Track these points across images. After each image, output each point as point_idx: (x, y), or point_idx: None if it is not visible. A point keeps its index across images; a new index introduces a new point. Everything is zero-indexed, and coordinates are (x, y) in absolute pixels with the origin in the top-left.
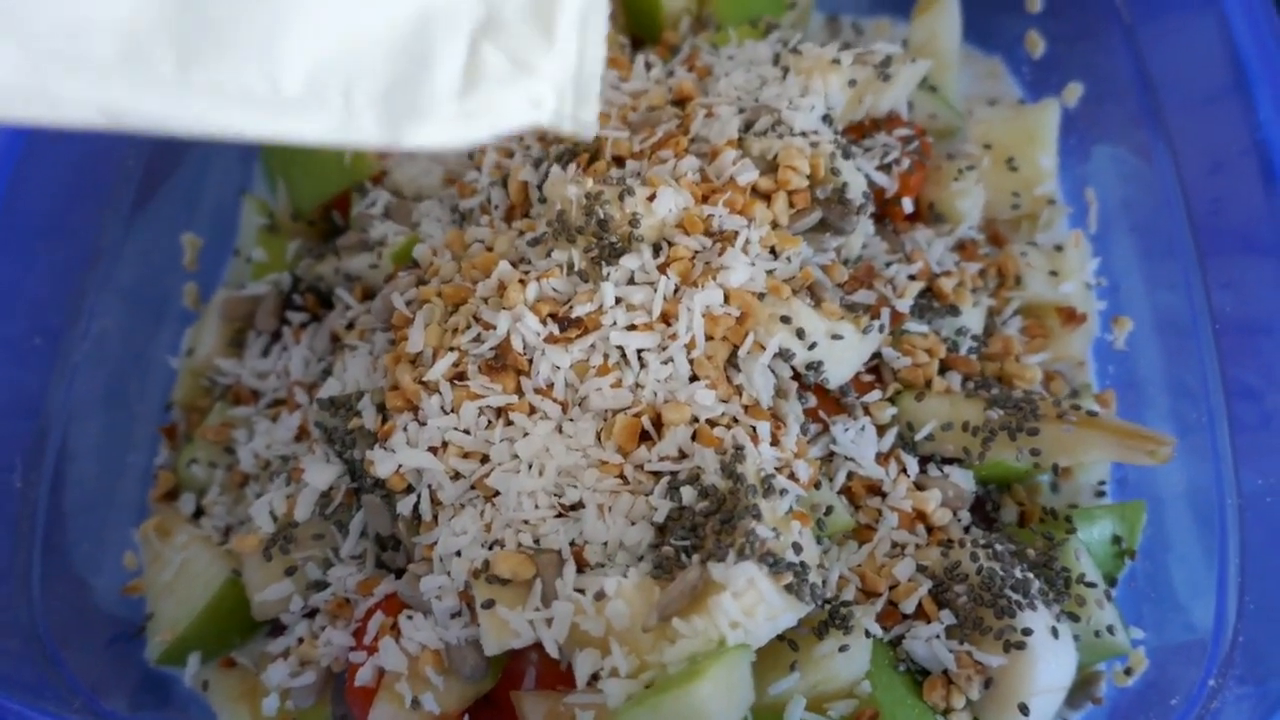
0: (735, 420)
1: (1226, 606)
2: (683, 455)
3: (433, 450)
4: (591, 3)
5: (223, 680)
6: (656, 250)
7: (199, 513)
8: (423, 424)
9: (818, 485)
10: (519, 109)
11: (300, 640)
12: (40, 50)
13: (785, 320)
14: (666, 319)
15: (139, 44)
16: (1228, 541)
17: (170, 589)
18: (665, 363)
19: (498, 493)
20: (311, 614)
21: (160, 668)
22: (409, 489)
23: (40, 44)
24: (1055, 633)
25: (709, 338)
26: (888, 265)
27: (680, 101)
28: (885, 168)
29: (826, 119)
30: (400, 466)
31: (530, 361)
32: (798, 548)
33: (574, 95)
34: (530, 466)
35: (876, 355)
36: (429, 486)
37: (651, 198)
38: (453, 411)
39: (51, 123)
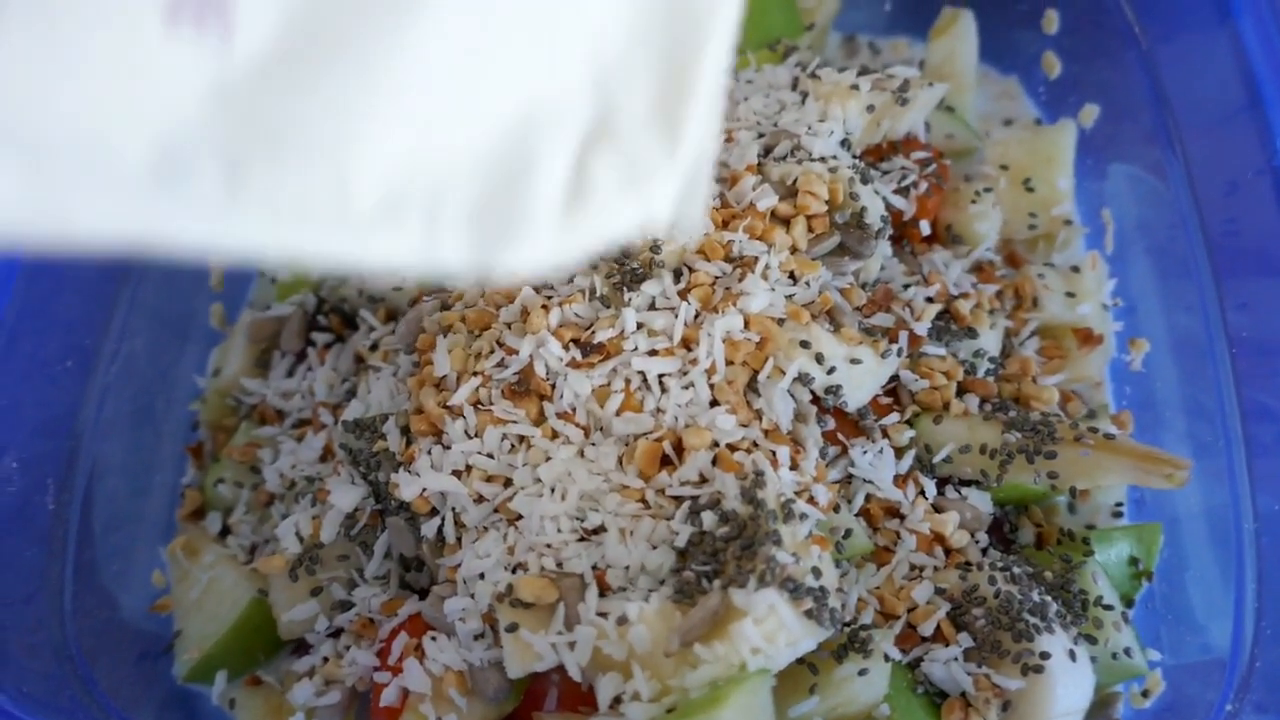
0: (755, 445)
1: (1244, 630)
2: (703, 480)
3: (456, 474)
4: (718, 97)
5: (249, 698)
6: (677, 276)
7: (225, 531)
8: (447, 448)
9: (836, 508)
10: (629, 224)
11: (325, 659)
12: (49, 162)
13: (805, 345)
14: (687, 344)
15: (176, 155)
16: (1245, 564)
17: (197, 607)
18: (686, 388)
19: (520, 516)
20: (336, 634)
21: (187, 685)
22: (433, 511)
23: (49, 154)
24: (1073, 655)
25: (729, 363)
26: (905, 287)
27: None
28: (903, 191)
29: (845, 144)
30: (424, 490)
31: (553, 386)
32: (817, 572)
33: (686, 194)
34: (553, 490)
35: (894, 378)
36: (453, 509)
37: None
38: (476, 436)
39: (63, 247)
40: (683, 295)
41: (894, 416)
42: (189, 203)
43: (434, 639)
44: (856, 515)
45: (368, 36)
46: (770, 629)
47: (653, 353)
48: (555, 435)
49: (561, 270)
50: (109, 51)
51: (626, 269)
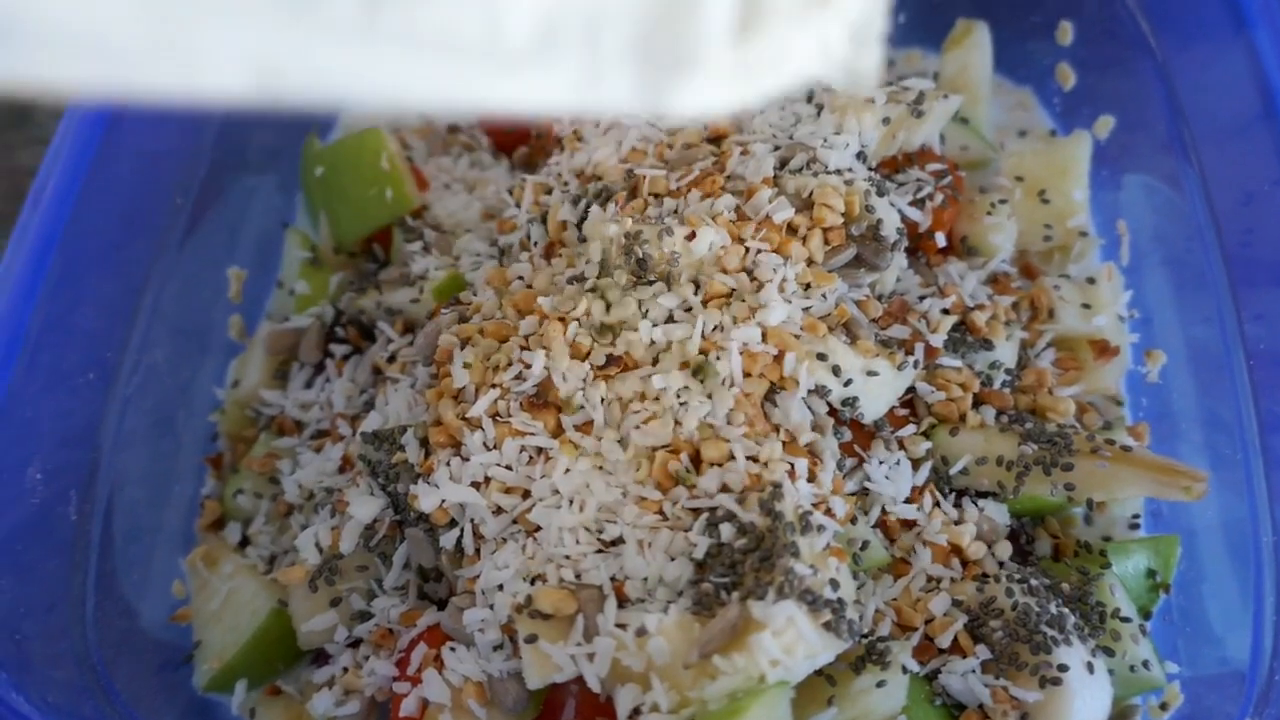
0: (773, 457)
1: (1263, 642)
2: (721, 492)
3: (475, 485)
4: None
5: (268, 708)
6: (695, 288)
7: (245, 542)
8: (465, 459)
9: (853, 520)
10: (807, 56)
11: (345, 670)
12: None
13: (821, 358)
14: (704, 356)
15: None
16: (1263, 576)
17: (217, 618)
18: (703, 400)
19: (539, 528)
20: (355, 644)
21: (208, 695)
22: (452, 523)
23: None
24: (1091, 668)
25: (746, 375)
26: (921, 299)
27: (715, 139)
28: (918, 203)
29: (860, 156)
30: (443, 501)
31: (570, 399)
32: (835, 584)
33: (862, 29)
34: (571, 502)
35: (911, 390)
36: (471, 521)
37: (690, 236)
38: (495, 448)
39: (186, 90)
40: (700, 307)
41: (910, 428)
42: (325, 28)
43: (453, 649)
44: (873, 527)
45: None
46: (789, 641)
47: (670, 365)
48: (573, 447)
49: (736, 109)
50: None
51: (644, 281)
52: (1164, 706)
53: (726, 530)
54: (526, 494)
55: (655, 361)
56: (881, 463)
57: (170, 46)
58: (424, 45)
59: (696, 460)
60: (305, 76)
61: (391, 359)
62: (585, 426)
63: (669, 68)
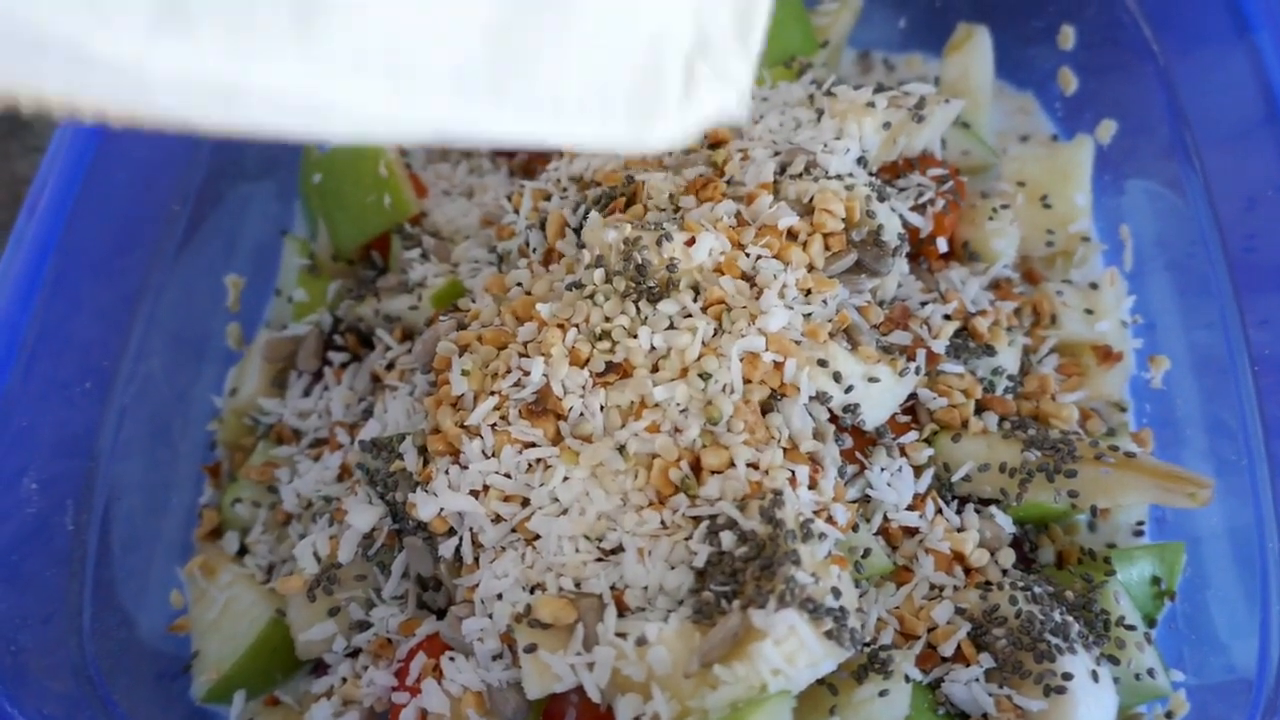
0: (773, 464)
1: (1269, 649)
2: (721, 499)
3: (474, 494)
4: (770, 10)
5: (267, 718)
6: (695, 294)
7: (243, 551)
8: (464, 468)
9: (855, 528)
10: (717, 111)
11: (343, 680)
12: (390, 72)
13: (822, 364)
14: (704, 364)
15: (466, 65)
16: (1270, 583)
17: (215, 628)
18: (704, 407)
19: (538, 536)
20: (354, 654)
21: (206, 705)
22: (451, 531)
23: (391, 64)
24: (1095, 676)
25: (747, 381)
26: (922, 305)
27: (715, 145)
28: (920, 208)
29: (861, 161)
30: (442, 510)
31: (570, 406)
32: (837, 592)
33: (748, 85)
34: (570, 510)
35: (912, 396)
36: (470, 529)
37: (690, 242)
38: (494, 456)
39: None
40: (700, 313)
41: (912, 435)
42: (474, 100)
43: (452, 659)
44: (875, 534)
45: None
46: (790, 650)
47: (670, 372)
48: (573, 455)
49: (679, 145)
50: None
51: (643, 287)
52: (1170, 715)
53: (727, 538)
54: (526, 502)
55: (655, 368)
56: (883, 470)
57: (384, 118)
58: (525, 109)
59: (696, 468)
60: (466, 131)
61: (390, 367)
62: (584, 434)
63: (646, 117)
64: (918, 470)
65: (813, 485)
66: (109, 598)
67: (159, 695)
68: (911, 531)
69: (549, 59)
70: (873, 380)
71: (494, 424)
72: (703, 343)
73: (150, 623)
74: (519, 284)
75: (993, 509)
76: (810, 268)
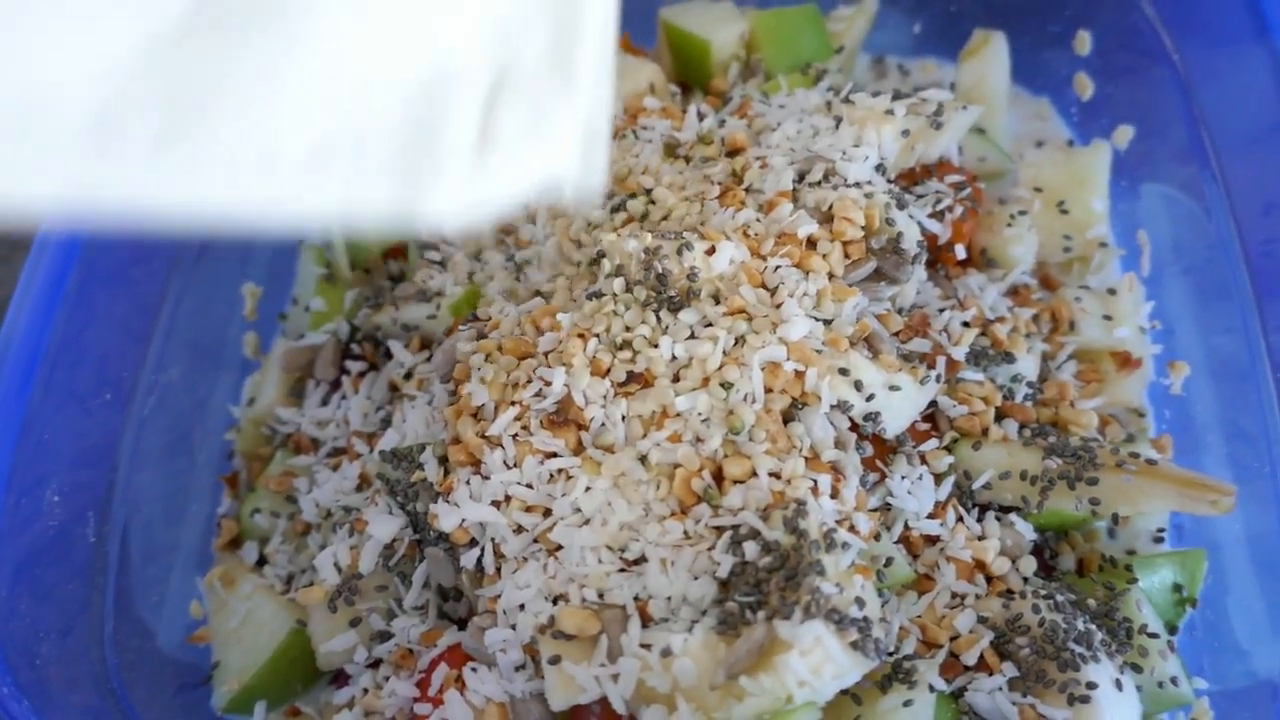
0: (796, 473)
1: None
2: (744, 509)
3: (495, 504)
4: (606, 49)
5: None
6: (715, 303)
7: (262, 561)
8: (485, 478)
9: (877, 537)
10: (538, 166)
11: (365, 691)
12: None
13: (843, 372)
14: (725, 373)
15: (113, 110)
16: None
17: (236, 638)
18: (725, 416)
19: (561, 547)
20: (375, 664)
21: (226, 716)
22: (472, 542)
23: None
24: (1119, 685)
25: (768, 390)
26: (941, 312)
27: (733, 152)
28: (938, 215)
29: (880, 168)
30: (463, 520)
31: (591, 416)
32: (861, 602)
33: (582, 157)
34: (592, 521)
35: (933, 404)
36: (492, 540)
37: (710, 251)
38: (515, 466)
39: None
40: (722, 321)
41: (933, 443)
42: (125, 158)
43: (474, 670)
44: (896, 543)
45: (280, 4)
46: (816, 661)
47: (691, 382)
48: (595, 465)
49: (478, 217)
50: (48, 7)
51: (664, 297)
52: None
53: (750, 548)
54: (548, 512)
55: (676, 378)
56: (904, 478)
57: None
58: (214, 165)
59: (719, 478)
60: (106, 199)
61: (408, 376)
62: (606, 444)
63: (419, 180)
64: (938, 478)
65: (835, 494)
66: (129, 608)
67: (180, 706)
68: (933, 540)
69: (252, 92)
70: (894, 388)
71: (515, 434)
72: (724, 352)
73: (170, 633)
74: (538, 293)
75: (1013, 517)
76: (830, 276)
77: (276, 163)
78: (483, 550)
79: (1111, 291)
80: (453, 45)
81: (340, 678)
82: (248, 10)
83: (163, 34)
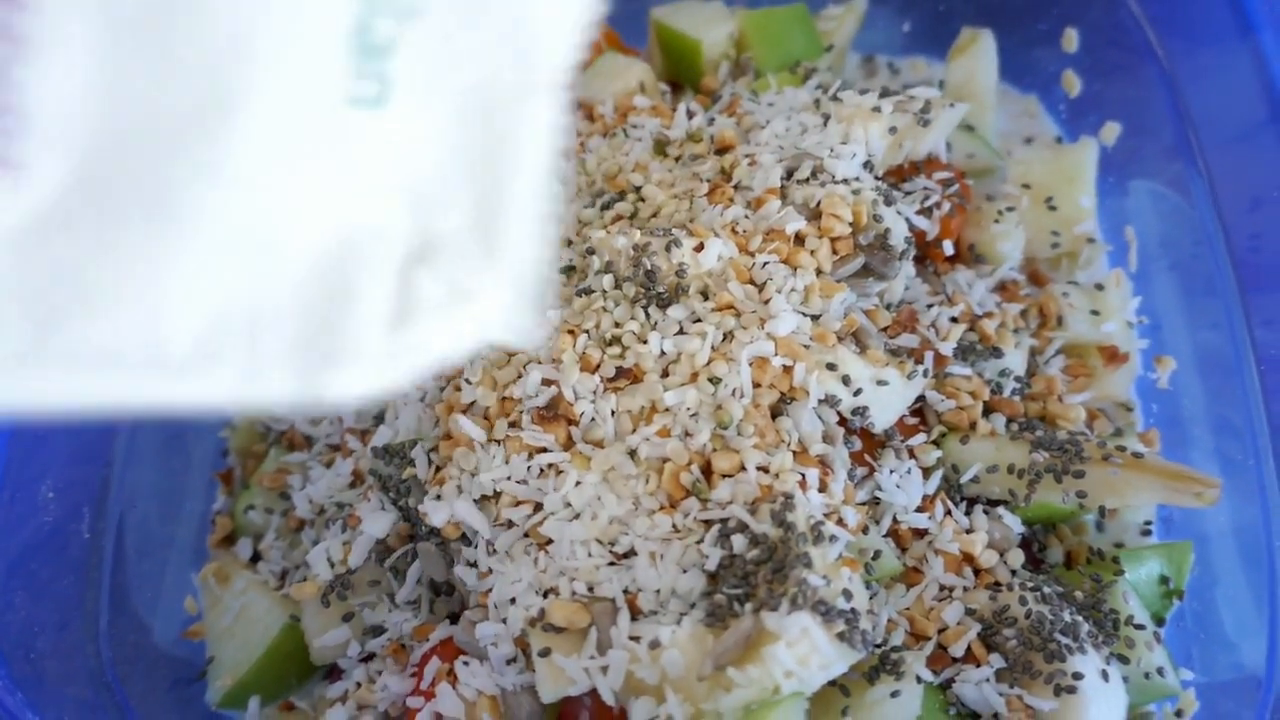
0: (784, 467)
1: (1278, 646)
2: (732, 503)
3: (486, 499)
4: (539, 208)
5: None
6: (704, 299)
7: (256, 557)
8: (475, 474)
9: (865, 530)
10: (460, 337)
11: (358, 685)
12: None
13: (831, 367)
14: (714, 368)
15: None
16: (1276, 580)
17: (230, 634)
18: (714, 411)
19: (551, 541)
20: (368, 659)
21: (221, 711)
22: (463, 536)
23: None
24: (1106, 676)
25: (756, 385)
26: (929, 308)
27: (722, 150)
28: (926, 211)
29: (867, 165)
30: (453, 516)
31: (581, 411)
32: (848, 594)
33: (516, 305)
34: (582, 515)
35: (921, 398)
36: (483, 535)
37: (698, 248)
38: (505, 461)
39: None
40: (711, 317)
41: (921, 437)
42: None
43: (466, 664)
44: (885, 536)
45: (166, 181)
46: (803, 652)
47: (680, 377)
48: (584, 460)
49: (391, 388)
50: None
51: (653, 293)
52: (1179, 714)
53: (739, 541)
54: (538, 507)
55: (665, 373)
56: (892, 472)
57: None
58: (90, 364)
59: (707, 472)
60: None
61: None
62: (595, 439)
63: (323, 363)
64: (926, 472)
65: (823, 488)
66: (124, 604)
67: (175, 701)
68: (921, 533)
69: (130, 285)
70: (881, 383)
71: (505, 429)
72: (712, 347)
73: (165, 629)
74: None
75: (1001, 510)
76: (818, 272)
77: (159, 359)
78: (474, 545)
79: (1099, 287)
80: (365, 215)
81: (333, 672)
82: (128, 193)
83: (27, 227)
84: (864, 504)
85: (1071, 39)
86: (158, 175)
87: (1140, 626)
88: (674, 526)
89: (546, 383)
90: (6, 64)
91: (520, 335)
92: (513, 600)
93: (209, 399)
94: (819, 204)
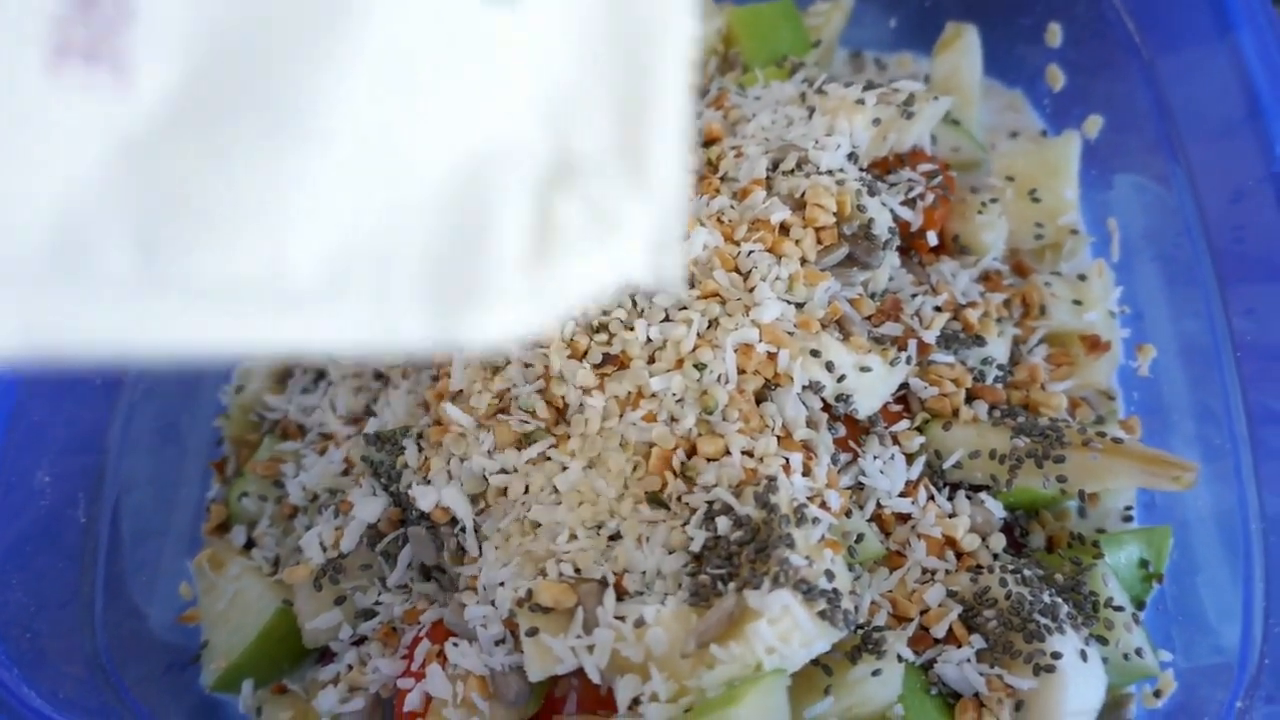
0: (768, 452)
1: (1253, 628)
2: (717, 486)
3: (475, 484)
4: (683, 125)
5: (274, 706)
6: (690, 286)
7: (250, 544)
8: (464, 459)
9: (849, 514)
10: (601, 275)
11: (350, 667)
12: None
13: (815, 354)
14: (699, 355)
15: (79, 229)
16: (1253, 565)
17: (224, 618)
18: (699, 396)
19: (539, 524)
20: (360, 641)
21: (215, 694)
22: (453, 521)
23: None
24: (1084, 656)
25: (741, 371)
26: (913, 297)
27: (709, 142)
28: (910, 202)
29: (852, 157)
30: (440, 500)
31: (568, 397)
32: (830, 575)
33: (660, 239)
34: (569, 499)
35: (904, 386)
36: (471, 519)
37: (684, 237)
38: (494, 447)
39: None
40: (698, 302)
41: (904, 423)
42: (97, 288)
43: (456, 645)
44: (868, 520)
45: (288, 85)
46: (785, 629)
47: (666, 363)
48: (571, 445)
49: (536, 332)
50: None
51: None
52: (1158, 694)
53: (723, 523)
54: (526, 491)
55: (651, 360)
56: (876, 457)
57: None
58: (204, 292)
59: (692, 456)
60: (78, 336)
61: None
62: (583, 425)
63: (462, 300)
64: (910, 458)
65: (806, 472)
66: (120, 589)
67: (169, 684)
68: (904, 517)
69: (248, 206)
70: (864, 370)
71: (494, 415)
72: (698, 334)
73: (160, 614)
74: None
75: (983, 495)
76: (803, 261)
77: (279, 290)
78: (463, 529)
79: (1082, 277)
80: (499, 132)
81: (326, 655)
82: (246, 97)
83: (135, 137)
84: (848, 489)
85: (1055, 34)
86: (279, 77)
87: (1119, 608)
88: (660, 508)
89: (525, 363)
90: None
91: (663, 275)
92: (501, 583)
93: (334, 337)
94: (804, 194)
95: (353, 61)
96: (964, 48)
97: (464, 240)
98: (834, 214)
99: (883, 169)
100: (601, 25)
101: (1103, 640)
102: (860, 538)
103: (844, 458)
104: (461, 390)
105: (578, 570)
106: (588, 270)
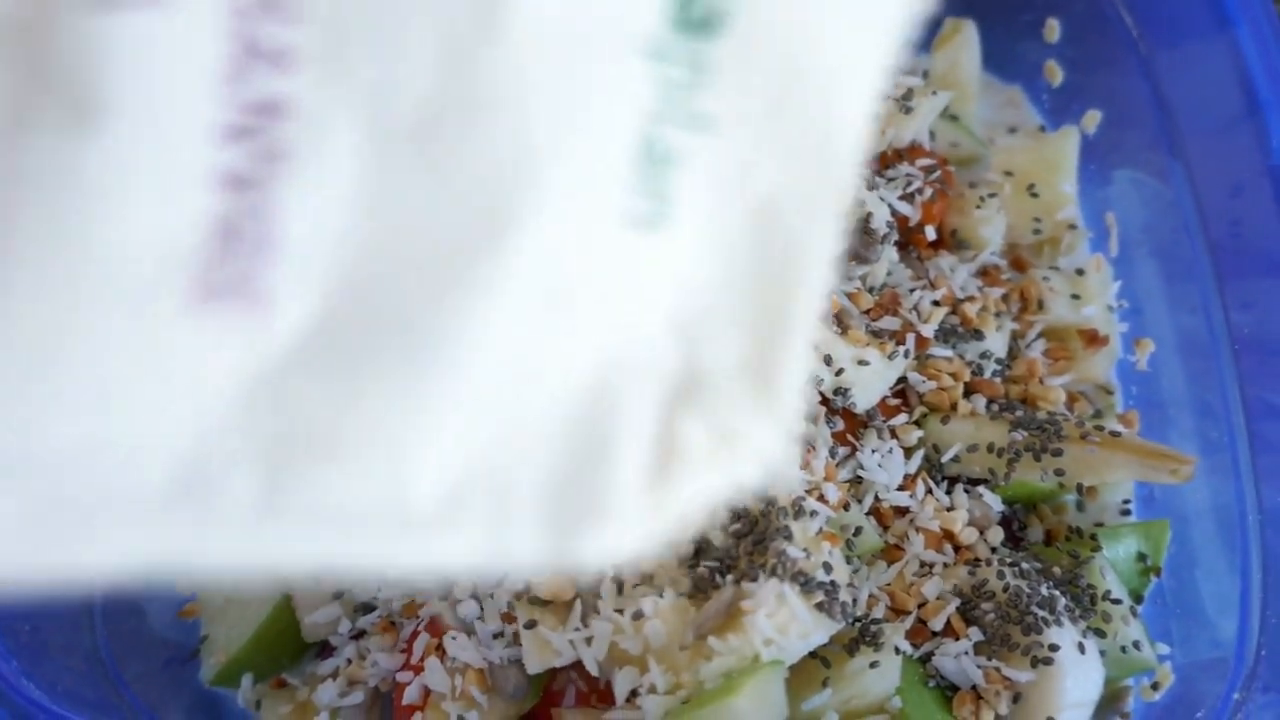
0: None
1: (1250, 621)
2: None
3: None
4: (812, 335)
5: (274, 700)
6: None
7: None
8: None
9: (846, 507)
10: (719, 492)
11: (349, 661)
12: (51, 494)
13: (813, 347)
14: None
15: (207, 463)
16: (1250, 558)
17: (223, 613)
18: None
19: None
20: (359, 635)
21: (215, 687)
22: None
23: (51, 484)
24: (1082, 648)
25: None
26: (912, 291)
27: None
28: (908, 197)
29: None
30: None
31: None
32: (828, 567)
33: (781, 446)
34: None
35: (902, 379)
36: None
37: None
38: None
39: (62, 583)
40: None
41: (902, 417)
42: (220, 515)
43: (454, 638)
44: (867, 514)
45: (431, 311)
46: (782, 621)
47: None
48: None
49: (646, 555)
50: (124, 346)
51: None
52: (1155, 687)
53: (721, 516)
54: None
55: None
56: (874, 451)
57: (46, 551)
58: (328, 522)
59: None
60: (196, 561)
61: None
62: None
63: (578, 522)
64: (908, 451)
65: (804, 465)
66: (119, 584)
67: (169, 678)
68: (902, 511)
69: (376, 434)
70: (862, 363)
71: None
72: None
73: (159, 609)
74: None
75: (981, 489)
76: None
77: (403, 514)
78: None
79: (1080, 272)
80: (629, 345)
81: (325, 649)
82: (386, 323)
83: (270, 369)
84: (846, 482)
85: (1054, 29)
86: (421, 303)
87: (1117, 601)
88: None
89: None
90: (266, 183)
91: (780, 476)
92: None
93: (450, 559)
94: None
95: (501, 288)
96: (962, 43)
97: (587, 461)
98: None
99: (881, 164)
100: (746, 243)
101: (1100, 633)
102: (858, 531)
103: (842, 451)
104: None
105: None
106: (707, 490)
